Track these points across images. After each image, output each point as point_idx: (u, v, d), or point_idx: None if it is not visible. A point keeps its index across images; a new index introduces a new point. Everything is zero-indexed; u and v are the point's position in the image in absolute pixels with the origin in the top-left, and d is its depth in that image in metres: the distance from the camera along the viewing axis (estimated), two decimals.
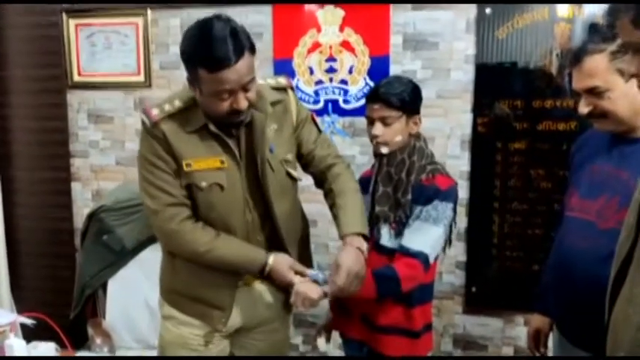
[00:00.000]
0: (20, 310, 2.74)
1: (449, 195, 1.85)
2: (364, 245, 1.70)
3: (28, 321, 2.02)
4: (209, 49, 1.50)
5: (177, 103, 1.68)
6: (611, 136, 1.68)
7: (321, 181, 1.89)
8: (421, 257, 1.79)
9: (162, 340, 1.92)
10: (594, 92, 1.60)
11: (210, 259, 1.72)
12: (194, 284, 1.80)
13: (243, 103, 1.58)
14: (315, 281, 1.69)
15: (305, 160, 1.89)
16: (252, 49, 1.57)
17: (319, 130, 1.91)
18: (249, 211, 1.76)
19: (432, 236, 1.82)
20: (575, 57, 1.64)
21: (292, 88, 1.86)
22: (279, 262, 1.72)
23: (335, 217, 1.79)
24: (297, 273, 1.70)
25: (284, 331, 2.01)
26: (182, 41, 1.59)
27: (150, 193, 1.70)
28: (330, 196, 1.84)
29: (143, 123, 1.69)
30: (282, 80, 1.85)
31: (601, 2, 2.51)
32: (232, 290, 1.81)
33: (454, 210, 1.87)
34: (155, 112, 1.67)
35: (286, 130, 1.80)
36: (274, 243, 1.79)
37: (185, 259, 1.77)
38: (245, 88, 1.57)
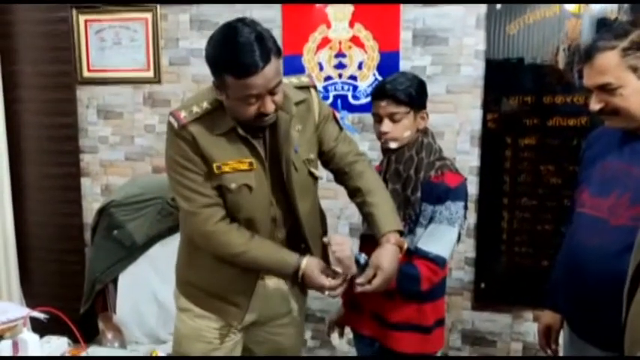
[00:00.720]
0: (30, 305, 2.75)
1: (459, 193, 1.85)
2: (403, 242, 1.72)
3: (41, 315, 2.02)
4: (236, 56, 1.49)
5: (205, 105, 1.67)
6: (623, 133, 1.67)
7: (343, 178, 1.88)
8: (439, 261, 1.81)
9: (178, 333, 1.93)
10: (606, 89, 1.58)
11: (244, 261, 1.72)
12: (212, 280, 1.81)
13: (270, 107, 1.57)
14: (357, 261, 1.69)
15: (326, 157, 1.88)
16: (279, 53, 1.56)
17: (340, 128, 1.89)
18: (273, 210, 1.76)
19: (448, 238, 1.83)
20: (586, 54, 1.62)
21: (315, 87, 1.84)
22: (311, 266, 1.70)
23: (368, 215, 1.78)
24: (328, 276, 1.70)
25: (298, 325, 2.01)
26: (207, 47, 1.58)
27: (184, 196, 1.70)
28: (358, 195, 1.82)
29: (170, 125, 1.67)
30: (305, 79, 1.84)
31: (608, 2, 2.51)
32: (250, 288, 1.81)
33: (465, 207, 1.87)
34: (183, 114, 1.65)
35: (309, 130, 1.79)
36: (295, 239, 1.80)
37: (204, 255, 1.78)
38: (272, 92, 1.56)
